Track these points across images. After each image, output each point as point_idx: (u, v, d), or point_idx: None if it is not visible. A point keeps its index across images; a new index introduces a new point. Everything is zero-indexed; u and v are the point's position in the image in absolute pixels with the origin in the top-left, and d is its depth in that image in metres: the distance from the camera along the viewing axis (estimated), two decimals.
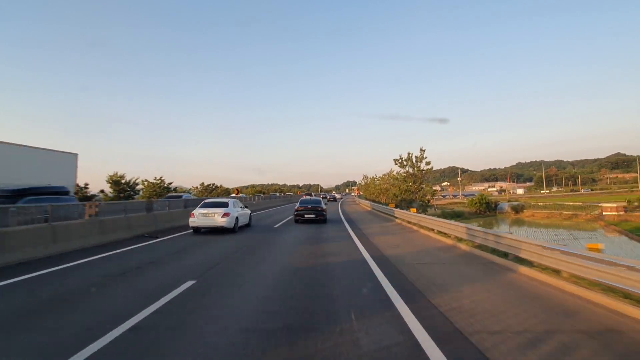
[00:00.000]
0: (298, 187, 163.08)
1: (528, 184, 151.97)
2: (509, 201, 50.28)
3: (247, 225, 15.97)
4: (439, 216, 21.17)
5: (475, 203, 44.44)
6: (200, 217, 13.60)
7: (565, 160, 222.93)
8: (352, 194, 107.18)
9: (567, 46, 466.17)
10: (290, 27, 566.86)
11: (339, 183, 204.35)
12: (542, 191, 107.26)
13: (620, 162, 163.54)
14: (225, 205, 14.14)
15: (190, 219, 13.67)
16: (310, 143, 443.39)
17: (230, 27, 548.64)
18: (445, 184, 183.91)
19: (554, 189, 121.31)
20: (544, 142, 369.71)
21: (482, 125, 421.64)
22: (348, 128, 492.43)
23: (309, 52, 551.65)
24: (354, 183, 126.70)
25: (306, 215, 17.66)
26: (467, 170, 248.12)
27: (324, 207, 18.73)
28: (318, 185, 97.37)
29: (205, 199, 17.70)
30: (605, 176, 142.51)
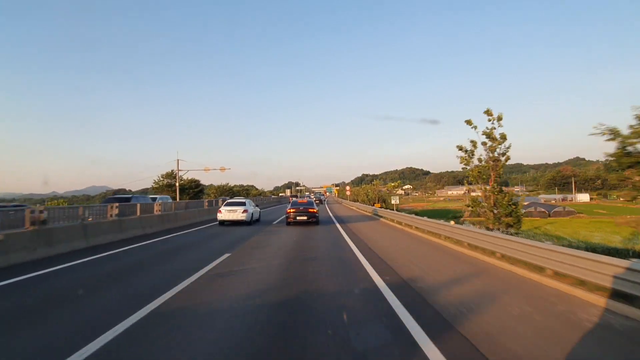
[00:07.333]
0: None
1: (517, 187, 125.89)
2: None
3: (257, 220, 20.40)
4: None
5: None
6: (226, 213, 17.67)
7: (525, 164, 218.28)
8: (323, 196, 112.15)
9: (526, 53, 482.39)
10: (283, 28, 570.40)
11: (279, 184, 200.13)
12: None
13: (580, 166, 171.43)
14: (244, 204, 18.45)
15: (218, 215, 17.99)
16: (247, 144, 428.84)
17: (220, 29, 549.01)
18: (407, 186, 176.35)
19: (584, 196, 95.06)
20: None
21: (444, 127, 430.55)
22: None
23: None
24: (297, 184, 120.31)
25: (298, 217, 18.13)
26: (429, 172, 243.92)
27: (316, 208, 19.32)
28: (253, 186, 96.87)
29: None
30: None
